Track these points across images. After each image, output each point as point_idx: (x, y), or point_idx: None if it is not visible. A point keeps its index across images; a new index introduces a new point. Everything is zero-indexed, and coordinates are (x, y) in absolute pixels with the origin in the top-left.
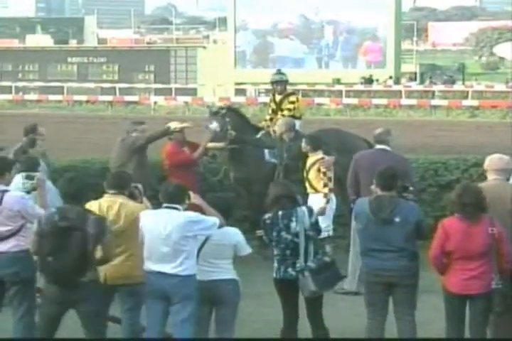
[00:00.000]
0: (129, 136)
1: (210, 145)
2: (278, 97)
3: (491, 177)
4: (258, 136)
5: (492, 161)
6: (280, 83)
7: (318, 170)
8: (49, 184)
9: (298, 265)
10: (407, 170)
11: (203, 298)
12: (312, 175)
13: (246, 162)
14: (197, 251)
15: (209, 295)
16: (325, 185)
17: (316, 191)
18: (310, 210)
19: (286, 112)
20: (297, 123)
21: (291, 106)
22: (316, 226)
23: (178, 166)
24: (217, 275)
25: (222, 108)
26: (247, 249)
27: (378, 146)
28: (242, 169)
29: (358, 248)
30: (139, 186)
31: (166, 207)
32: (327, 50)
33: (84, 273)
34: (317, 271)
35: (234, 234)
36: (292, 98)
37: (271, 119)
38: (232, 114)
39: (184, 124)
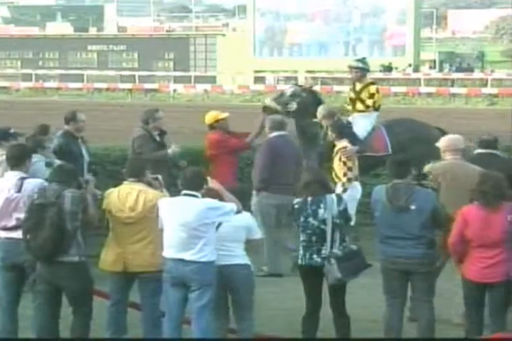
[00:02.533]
0: (137, 138)
1: (270, 101)
2: (358, 86)
3: (449, 157)
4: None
5: (449, 142)
6: (355, 70)
7: (340, 158)
8: None
9: (323, 252)
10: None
11: (218, 282)
12: (335, 163)
13: (312, 153)
14: None
15: (224, 280)
16: (344, 175)
17: (340, 180)
18: (339, 198)
19: (365, 107)
20: (374, 114)
21: (370, 101)
22: (344, 214)
23: (226, 153)
24: (231, 259)
25: (308, 85)
26: (258, 233)
27: (278, 133)
28: (310, 157)
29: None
30: (159, 177)
31: (185, 195)
32: (353, 33)
33: (64, 251)
34: (343, 258)
35: (247, 216)
36: (372, 90)
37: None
38: (309, 94)
39: (223, 115)
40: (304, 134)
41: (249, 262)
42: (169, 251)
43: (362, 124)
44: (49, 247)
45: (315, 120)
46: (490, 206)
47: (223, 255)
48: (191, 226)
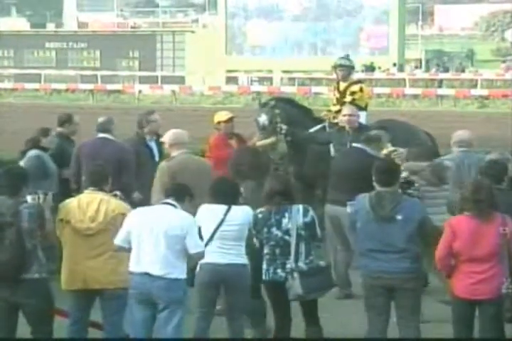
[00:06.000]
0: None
1: (260, 143)
2: (342, 85)
3: (177, 152)
4: (316, 128)
5: (175, 136)
6: (342, 68)
7: None
8: None
9: (288, 266)
10: (127, 159)
11: (216, 281)
12: None
13: (309, 157)
14: (213, 232)
15: (223, 279)
16: None
17: None
18: (306, 210)
19: (340, 105)
20: (362, 114)
21: (349, 98)
22: (310, 227)
23: (220, 160)
24: (233, 259)
25: (271, 99)
26: None
27: (101, 135)
28: (304, 164)
29: None
30: (118, 193)
31: (164, 203)
32: (325, 34)
33: (25, 270)
34: (307, 273)
35: (248, 211)
36: (354, 88)
37: (338, 111)
38: (282, 105)
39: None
40: (303, 143)
41: (247, 262)
42: (136, 265)
43: None
44: (12, 267)
45: (313, 129)
46: (483, 216)
47: (225, 253)
48: (162, 239)
